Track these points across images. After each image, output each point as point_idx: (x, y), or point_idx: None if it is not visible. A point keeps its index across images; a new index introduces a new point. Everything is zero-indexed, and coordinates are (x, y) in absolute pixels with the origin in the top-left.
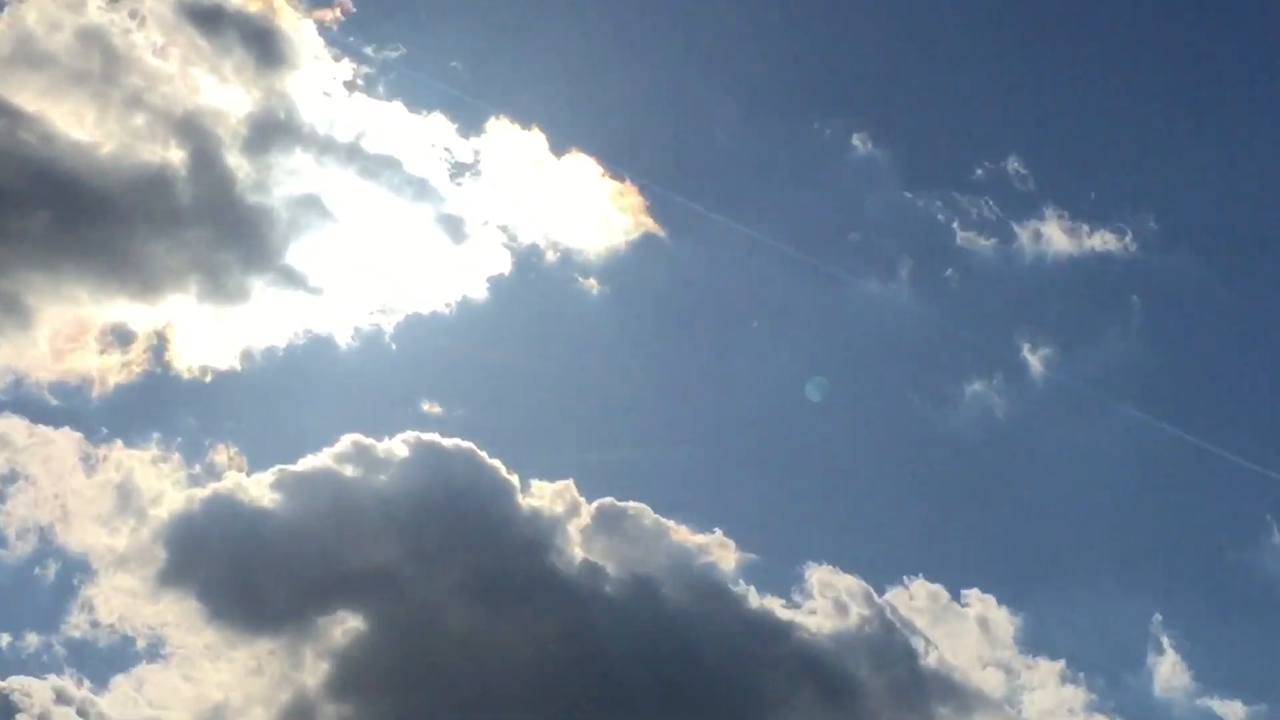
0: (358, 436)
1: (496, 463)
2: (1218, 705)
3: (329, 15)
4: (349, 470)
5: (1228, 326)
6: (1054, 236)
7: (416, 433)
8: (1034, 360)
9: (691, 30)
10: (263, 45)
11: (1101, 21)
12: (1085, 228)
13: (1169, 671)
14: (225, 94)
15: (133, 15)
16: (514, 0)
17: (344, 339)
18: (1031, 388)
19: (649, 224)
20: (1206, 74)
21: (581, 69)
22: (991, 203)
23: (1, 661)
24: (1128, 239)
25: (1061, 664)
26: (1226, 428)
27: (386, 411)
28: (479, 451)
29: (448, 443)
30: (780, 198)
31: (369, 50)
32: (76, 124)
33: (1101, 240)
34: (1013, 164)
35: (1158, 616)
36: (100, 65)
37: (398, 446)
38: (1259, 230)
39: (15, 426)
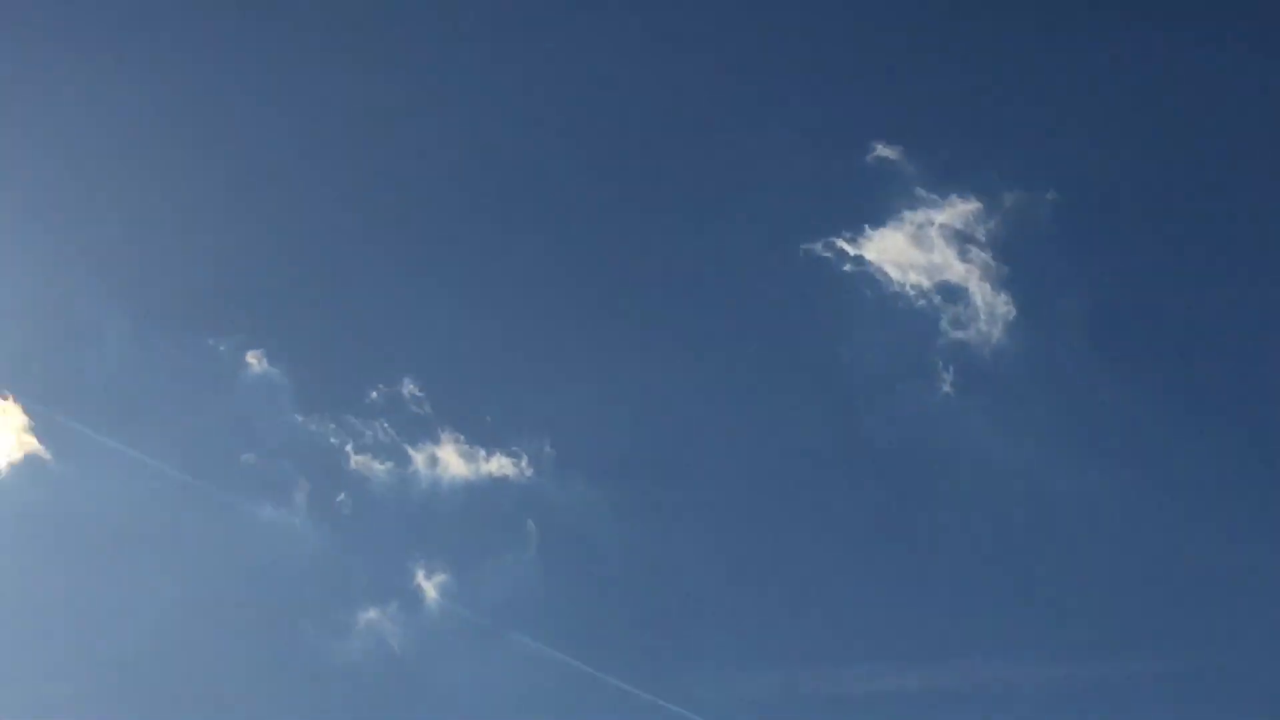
0: None
1: None
2: None
3: None
4: None
5: (623, 553)
6: (450, 461)
7: None
8: (429, 586)
9: (73, 239)
10: None
11: (496, 248)
12: (482, 452)
13: None
14: None
15: None
16: None
17: None
18: (427, 614)
19: (31, 444)
20: (598, 307)
21: None
22: (387, 425)
23: None
24: (524, 463)
25: None
26: (621, 656)
27: None
28: None
29: None
30: (172, 418)
31: None
32: None
33: (498, 465)
34: (408, 387)
35: None
36: None
37: None
38: (654, 459)
39: None
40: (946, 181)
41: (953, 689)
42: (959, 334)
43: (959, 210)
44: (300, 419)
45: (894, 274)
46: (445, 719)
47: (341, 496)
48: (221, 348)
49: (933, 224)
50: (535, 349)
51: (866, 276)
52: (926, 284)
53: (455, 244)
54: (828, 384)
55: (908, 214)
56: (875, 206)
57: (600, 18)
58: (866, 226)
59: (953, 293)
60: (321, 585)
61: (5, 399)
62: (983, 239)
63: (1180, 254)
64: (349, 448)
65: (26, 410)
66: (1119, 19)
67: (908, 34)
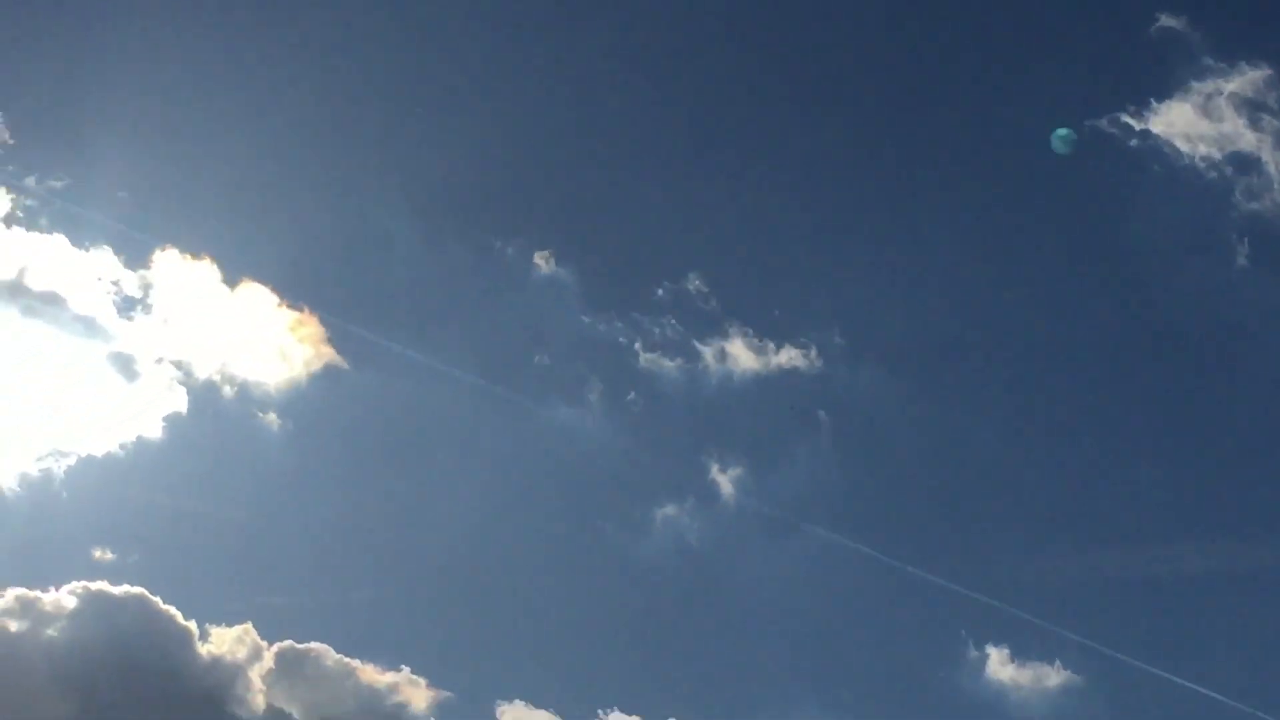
0: (21, 590)
1: (172, 609)
2: None
3: None
4: (13, 625)
5: (916, 440)
6: (739, 355)
7: (85, 582)
8: (724, 481)
9: (363, 150)
10: None
11: (779, 138)
12: (771, 344)
13: None
14: None
15: None
16: (180, 128)
17: (9, 486)
18: (723, 509)
19: (330, 354)
20: (884, 192)
21: (252, 195)
22: (674, 322)
23: None
24: (813, 354)
25: None
26: (916, 544)
27: (55, 561)
28: (152, 598)
29: (119, 591)
30: (464, 322)
31: (30, 181)
32: None
33: (787, 357)
34: (694, 282)
35: None
36: None
37: (65, 598)
38: (943, 344)
39: None
40: (1235, 49)
41: (1256, 569)
42: (1253, 205)
43: (1249, 78)
44: (588, 319)
45: (1183, 146)
46: (745, 612)
47: (632, 395)
48: (509, 250)
49: (1222, 93)
50: (819, 239)
51: (1154, 150)
52: (1217, 155)
53: (735, 137)
54: (1119, 262)
55: (1195, 84)
56: (1161, 78)
57: None
58: (1152, 99)
59: (1245, 163)
60: (618, 484)
61: (302, 311)
62: (1276, 107)
63: None
64: (638, 345)
65: (323, 322)
66: None
67: None
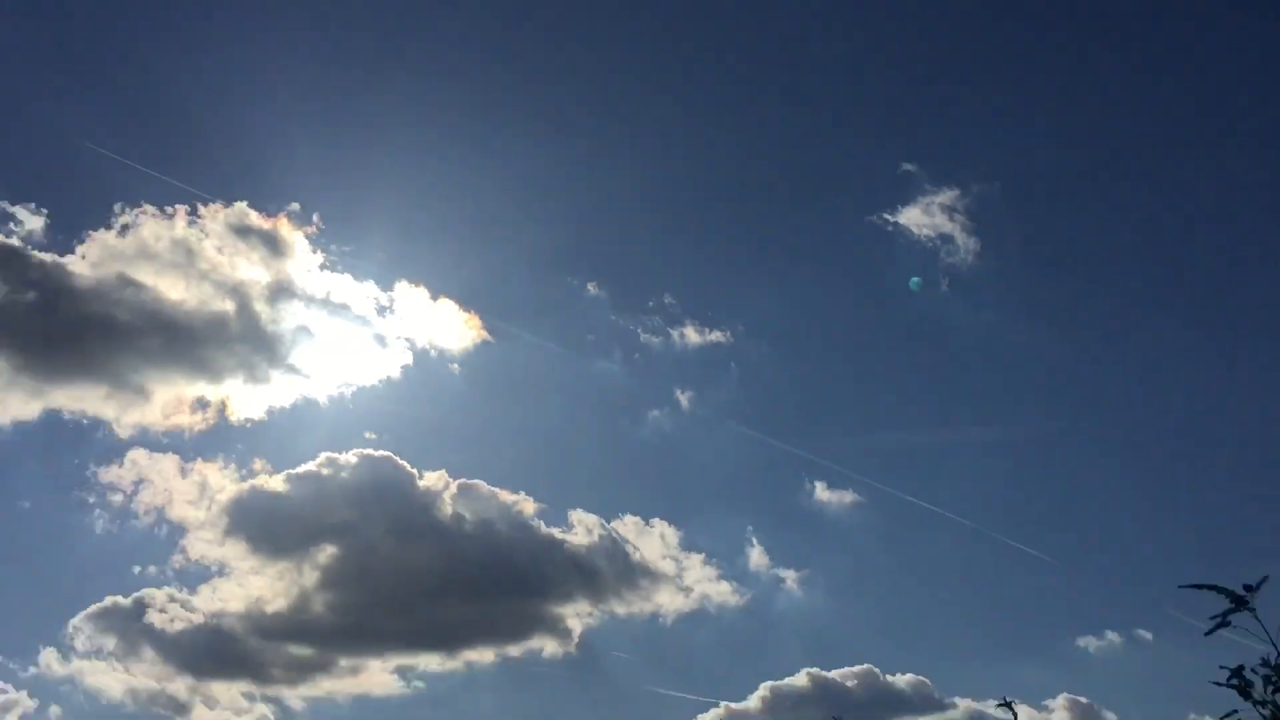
0: (330, 453)
1: (404, 463)
2: (782, 571)
3: (310, 229)
4: (325, 472)
5: (782, 379)
6: (690, 335)
7: (360, 449)
8: (684, 399)
9: (501, 230)
10: (274, 245)
11: (711, 226)
12: (707, 329)
13: (757, 555)
14: (254, 272)
15: (202, 230)
16: (411, 220)
17: (323, 401)
18: (683, 414)
19: (485, 335)
20: (766, 251)
21: (446, 254)
22: (658, 319)
23: (138, 580)
24: (729, 334)
25: (703, 555)
26: (782, 430)
27: (346, 438)
28: (395, 458)
29: (379, 454)
30: (552, 318)
31: (332, 247)
32: (173, 290)
33: (716, 336)
34: (667, 298)
35: (750, 527)
36: (185, 258)
37: (350, 458)
38: (797, 328)
39: (141, 455)
40: (940, 180)
41: (942, 443)
42: (950, 260)
43: (947, 195)
44: (614, 318)
45: (915, 230)
46: (693, 467)
47: (636, 355)
48: (574, 281)
49: (935, 203)
50: (731, 275)
51: (900, 232)
52: (932, 234)
53: (687, 224)
54: (880, 289)
55: (921, 198)
56: (904, 194)
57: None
58: (899, 205)
59: (945, 239)
60: (629, 400)
61: (470, 313)
62: (962, 210)
63: (1073, 210)
64: (639, 330)
65: (481, 318)
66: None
67: (921, 105)
